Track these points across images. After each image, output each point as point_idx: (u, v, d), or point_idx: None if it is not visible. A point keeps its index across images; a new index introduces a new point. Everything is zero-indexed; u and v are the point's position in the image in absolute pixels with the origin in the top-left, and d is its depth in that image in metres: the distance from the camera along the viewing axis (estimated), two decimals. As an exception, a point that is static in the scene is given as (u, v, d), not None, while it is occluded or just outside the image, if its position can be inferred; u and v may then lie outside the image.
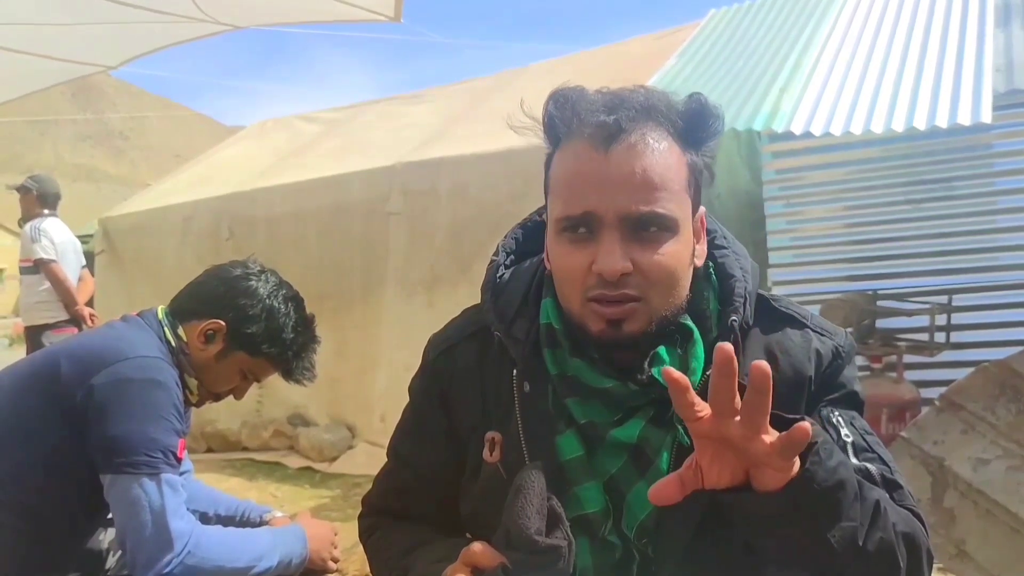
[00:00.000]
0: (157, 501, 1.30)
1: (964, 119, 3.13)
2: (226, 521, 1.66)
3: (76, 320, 4.44)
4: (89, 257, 5.13)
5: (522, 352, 0.91)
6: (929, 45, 3.80)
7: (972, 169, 3.79)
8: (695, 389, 0.85)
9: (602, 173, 0.81)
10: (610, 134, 0.81)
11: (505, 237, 1.02)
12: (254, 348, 1.52)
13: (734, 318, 0.87)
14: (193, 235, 5.14)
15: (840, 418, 0.89)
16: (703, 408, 0.69)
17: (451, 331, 1.02)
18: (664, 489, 0.73)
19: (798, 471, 0.70)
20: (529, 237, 1.01)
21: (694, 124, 0.86)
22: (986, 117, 3.11)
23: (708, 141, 0.87)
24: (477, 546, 0.79)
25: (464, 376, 0.97)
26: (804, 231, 4.17)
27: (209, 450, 4.83)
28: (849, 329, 3.27)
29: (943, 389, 2.71)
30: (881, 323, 3.63)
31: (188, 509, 1.38)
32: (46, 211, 4.54)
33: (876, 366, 3.48)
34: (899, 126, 3.21)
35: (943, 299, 3.63)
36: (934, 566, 0.85)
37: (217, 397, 1.58)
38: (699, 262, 0.90)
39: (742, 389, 0.68)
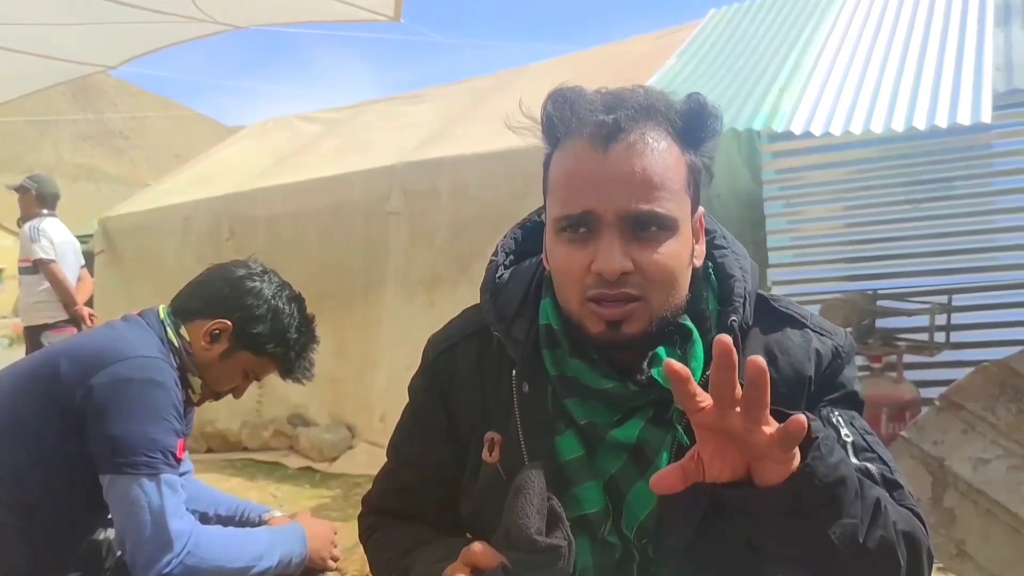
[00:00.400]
0: (156, 501, 1.30)
1: (964, 119, 3.13)
2: (226, 521, 1.66)
3: (75, 320, 4.44)
4: (89, 257, 5.13)
5: (521, 352, 0.91)
6: (929, 45, 3.80)
7: (972, 169, 3.78)
8: (695, 389, 0.85)
9: (601, 172, 0.81)
10: (609, 134, 0.81)
11: (504, 237, 1.02)
12: (259, 348, 1.53)
13: (734, 318, 0.87)
14: (193, 235, 5.14)
15: (840, 418, 0.89)
16: (704, 399, 0.69)
17: (451, 331, 1.02)
18: (666, 478, 0.73)
19: (799, 466, 0.70)
20: (528, 237, 1.01)
21: (693, 124, 0.86)
22: (986, 117, 3.11)
23: (707, 141, 0.87)
24: (477, 546, 0.79)
25: (464, 376, 0.97)
26: (804, 231, 4.17)
27: (209, 450, 4.83)
28: (849, 329, 3.27)
29: (943, 389, 2.71)
30: (881, 323, 3.63)
31: (188, 509, 1.38)
32: (45, 211, 4.54)
33: (876, 366, 3.47)
34: (899, 126, 3.21)
35: (943, 299, 3.63)
36: (934, 566, 0.85)
37: (218, 396, 1.59)
38: (698, 262, 0.90)
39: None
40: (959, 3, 4.12)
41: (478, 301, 0.99)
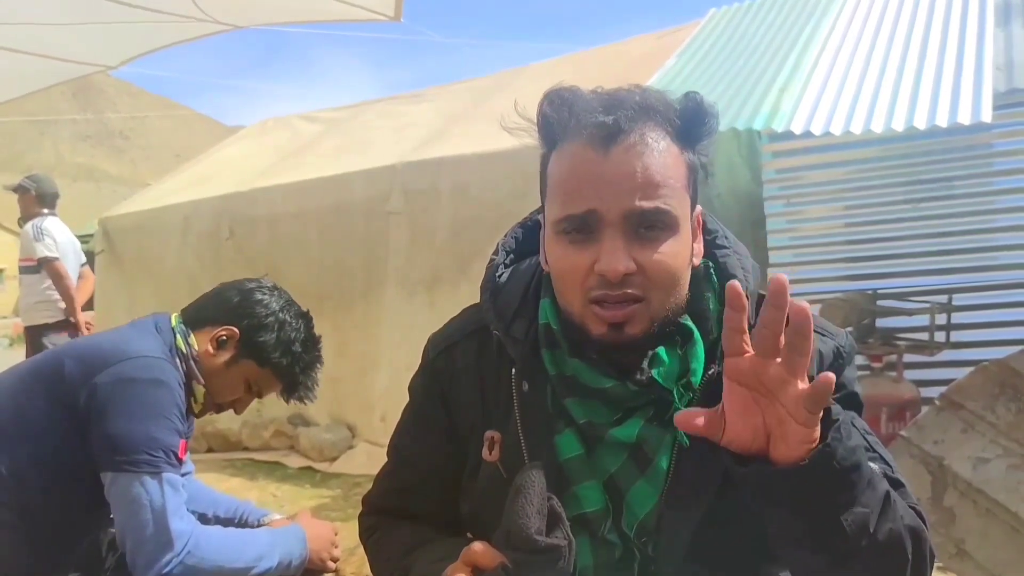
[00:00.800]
0: (158, 500, 1.30)
1: (964, 118, 3.12)
2: (224, 523, 1.66)
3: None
4: (89, 257, 5.13)
5: (521, 352, 0.91)
6: (929, 44, 3.79)
7: (972, 168, 3.79)
8: (695, 389, 0.85)
9: (603, 173, 0.81)
10: (609, 134, 0.81)
11: (504, 236, 1.02)
12: (263, 357, 1.54)
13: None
14: (193, 235, 5.13)
15: (840, 418, 0.89)
16: (749, 344, 0.70)
17: (451, 330, 1.03)
18: (689, 416, 0.74)
19: (818, 444, 0.70)
20: (528, 236, 1.01)
21: (691, 123, 0.86)
22: (986, 116, 3.11)
23: (704, 139, 0.87)
24: (477, 546, 0.79)
25: (464, 375, 0.97)
26: (804, 231, 4.17)
27: (209, 450, 4.83)
28: (849, 329, 3.27)
29: (943, 388, 2.71)
30: (881, 322, 3.63)
31: (188, 510, 1.39)
32: (45, 211, 4.54)
33: (876, 365, 3.47)
34: (899, 126, 3.21)
35: (943, 299, 3.63)
36: (934, 565, 0.85)
37: (219, 408, 1.59)
38: (697, 261, 0.90)
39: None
40: (959, 3, 4.11)
41: (478, 300, 0.99)
